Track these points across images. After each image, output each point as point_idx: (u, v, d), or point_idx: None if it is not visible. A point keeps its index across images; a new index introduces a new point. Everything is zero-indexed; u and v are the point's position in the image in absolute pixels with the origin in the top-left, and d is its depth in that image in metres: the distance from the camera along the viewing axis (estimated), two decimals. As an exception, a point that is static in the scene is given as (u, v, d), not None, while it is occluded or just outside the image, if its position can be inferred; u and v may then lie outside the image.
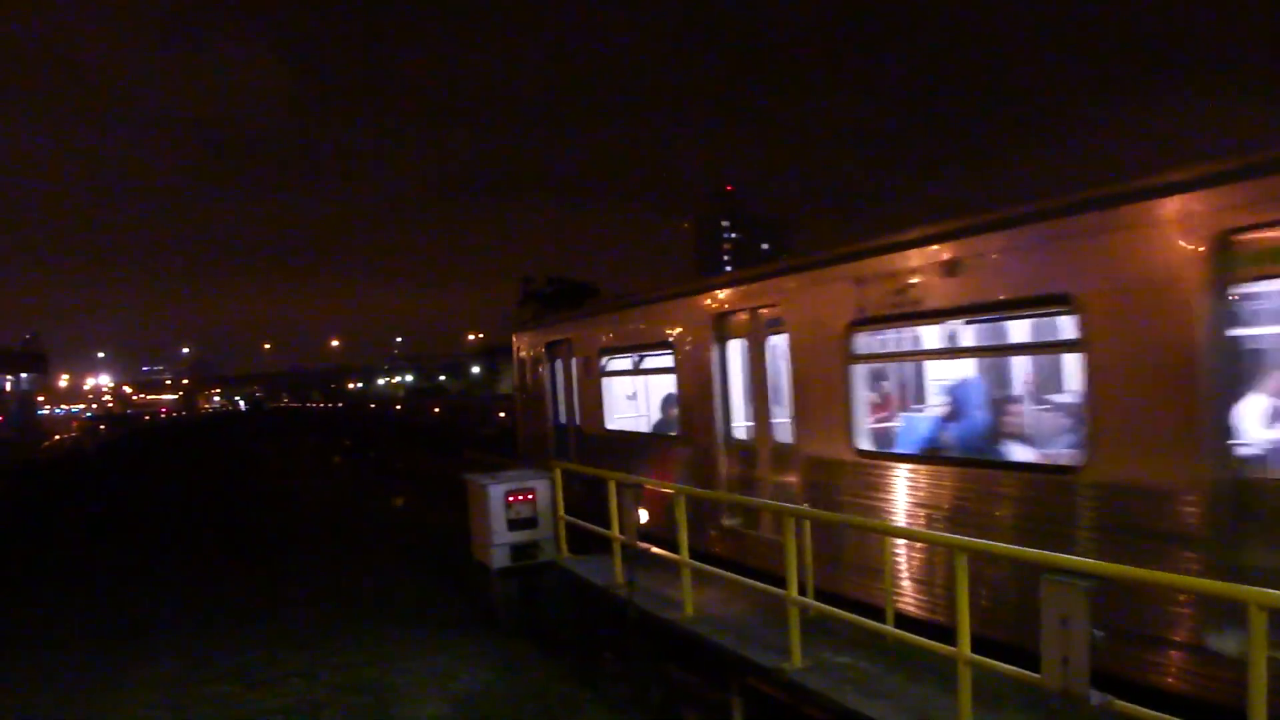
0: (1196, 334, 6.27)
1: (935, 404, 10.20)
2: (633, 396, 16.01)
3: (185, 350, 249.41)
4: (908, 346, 9.81)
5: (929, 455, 9.01)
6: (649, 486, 11.60)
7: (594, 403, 15.83)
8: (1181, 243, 6.31)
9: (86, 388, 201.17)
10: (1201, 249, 6.19)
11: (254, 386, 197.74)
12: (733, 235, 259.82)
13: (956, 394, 9.39)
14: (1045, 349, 8.84)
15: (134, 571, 20.69)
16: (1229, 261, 6.12)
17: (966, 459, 8.57)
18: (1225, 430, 6.32)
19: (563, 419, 17.58)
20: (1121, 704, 5.36)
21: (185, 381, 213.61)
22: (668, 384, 13.72)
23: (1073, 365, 7.90)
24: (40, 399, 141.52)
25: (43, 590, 19.49)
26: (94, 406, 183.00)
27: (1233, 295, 6.25)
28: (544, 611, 13.46)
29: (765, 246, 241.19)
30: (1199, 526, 6.25)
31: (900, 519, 8.76)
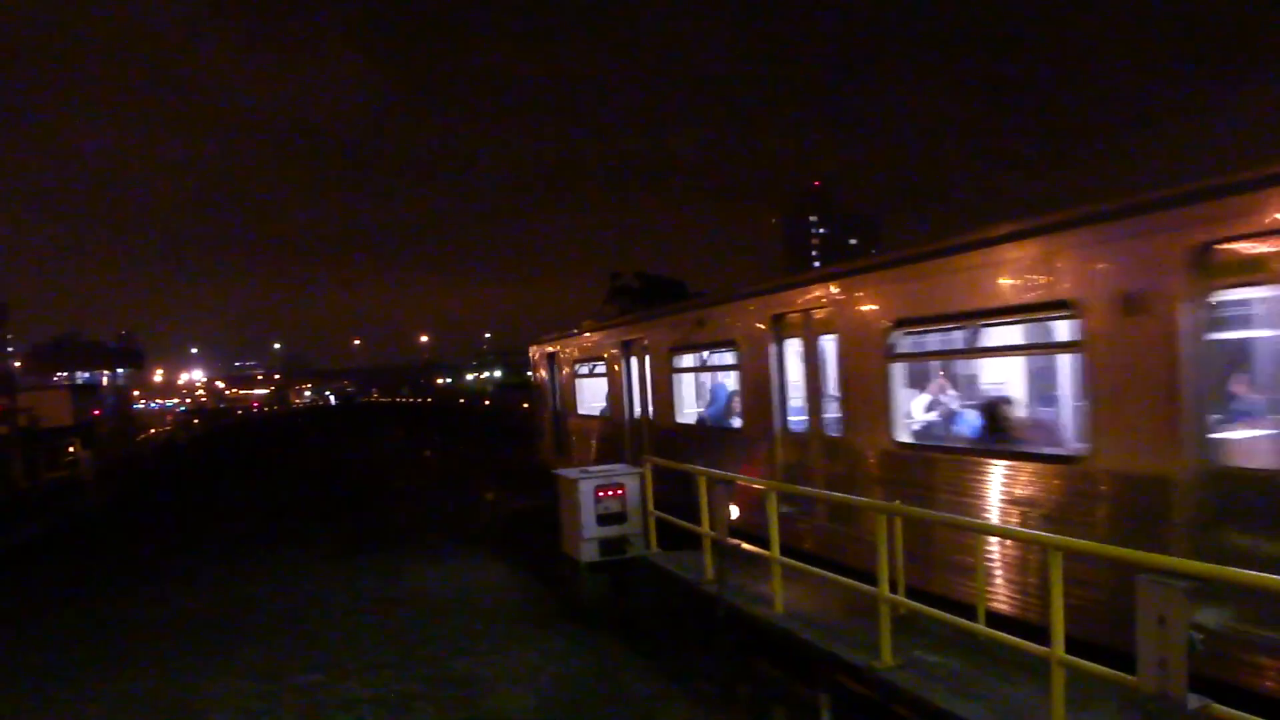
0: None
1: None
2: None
3: (277, 346, 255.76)
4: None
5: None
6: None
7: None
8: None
9: (180, 382, 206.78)
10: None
11: (344, 381, 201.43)
12: (821, 231, 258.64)
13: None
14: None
15: (229, 561, 21.42)
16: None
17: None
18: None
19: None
20: (1220, 708, 5.32)
21: (276, 376, 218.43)
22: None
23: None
24: (135, 393, 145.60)
25: (144, 579, 20.31)
26: (187, 401, 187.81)
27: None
28: (632, 606, 13.65)
29: (853, 242, 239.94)
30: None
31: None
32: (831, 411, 11.82)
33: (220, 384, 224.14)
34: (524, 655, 12.84)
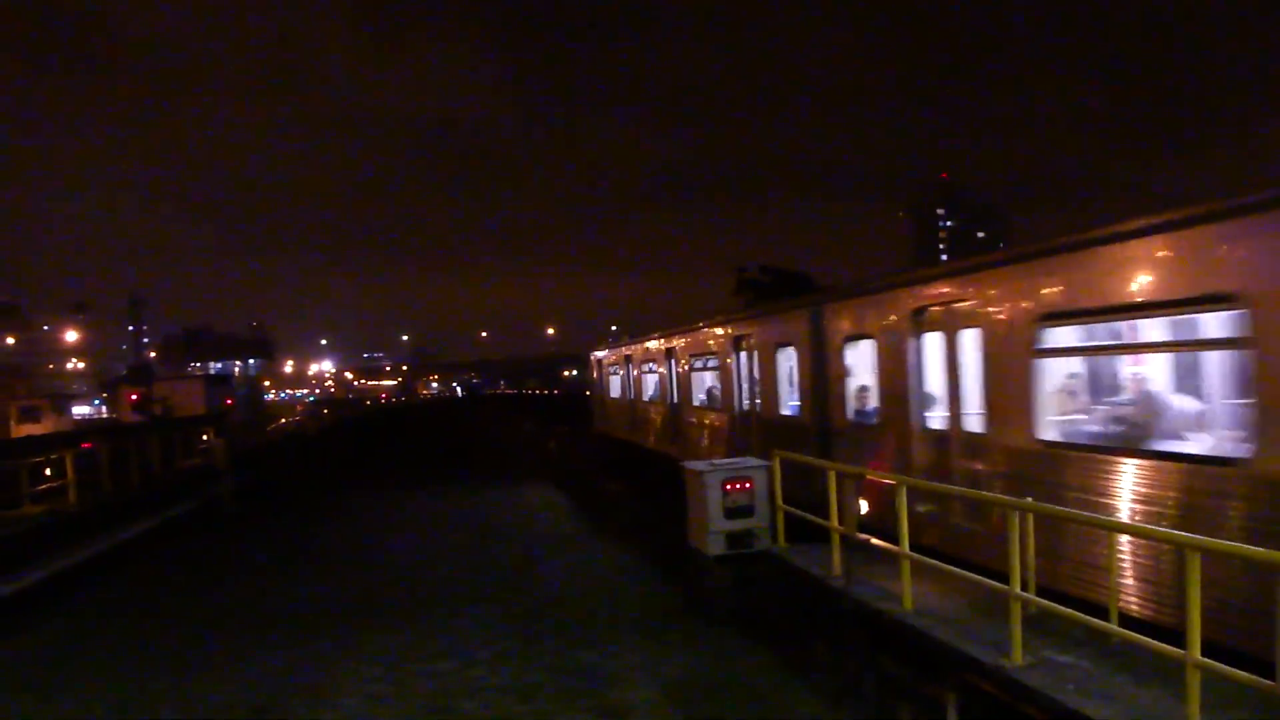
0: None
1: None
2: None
3: (405, 338, 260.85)
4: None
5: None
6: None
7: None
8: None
9: (310, 373, 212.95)
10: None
11: (471, 373, 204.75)
12: (948, 223, 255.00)
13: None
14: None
15: (360, 548, 22.27)
16: None
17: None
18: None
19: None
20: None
21: (404, 368, 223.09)
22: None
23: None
24: (266, 384, 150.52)
25: (275, 564, 21.25)
26: (316, 391, 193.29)
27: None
28: (757, 600, 13.83)
29: (981, 234, 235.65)
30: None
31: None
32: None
33: (349, 375, 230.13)
34: (648, 647, 13.16)
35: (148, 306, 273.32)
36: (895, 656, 9.92)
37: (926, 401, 12.89)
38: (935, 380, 12.70)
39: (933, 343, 12.65)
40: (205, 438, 39.79)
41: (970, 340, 11.68)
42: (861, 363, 14.73)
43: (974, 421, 11.60)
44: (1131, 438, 9.60)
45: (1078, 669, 7.86)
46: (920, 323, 12.78)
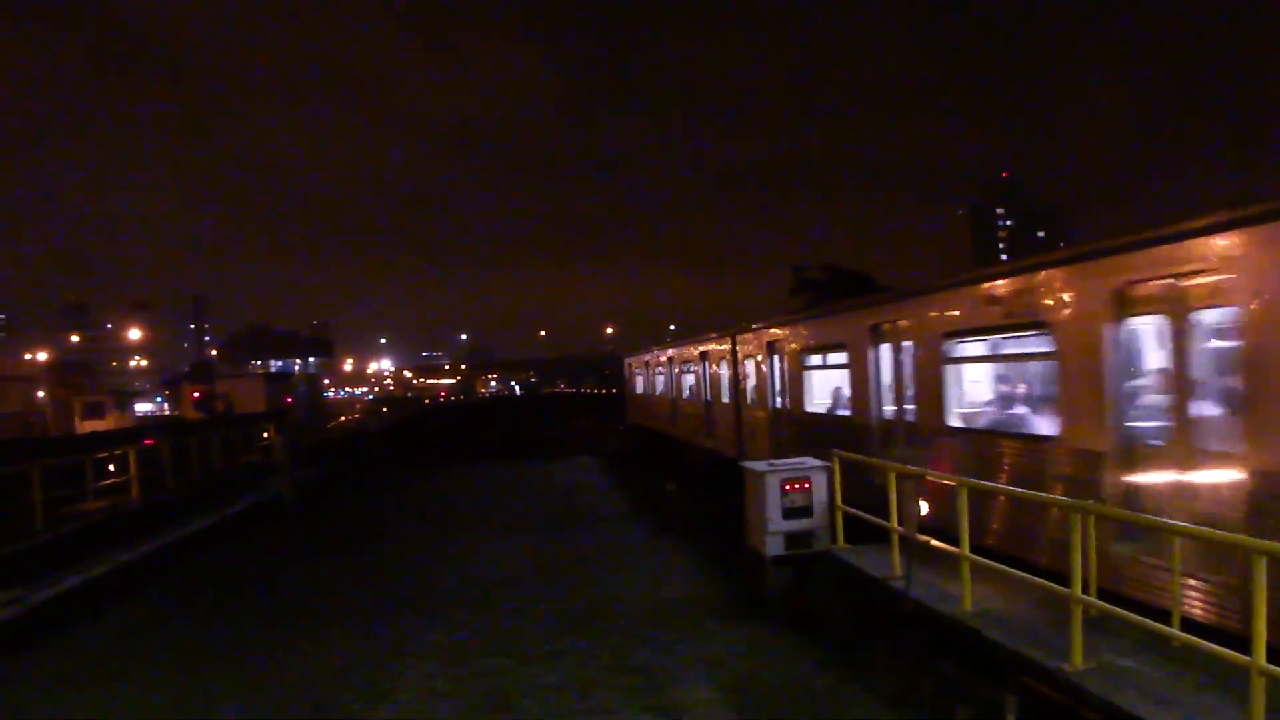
0: None
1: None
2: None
3: (463, 337, 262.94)
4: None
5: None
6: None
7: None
8: None
9: (369, 371, 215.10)
10: None
11: (529, 372, 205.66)
12: (1008, 223, 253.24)
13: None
14: None
15: (420, 547, 22.54)
16: None
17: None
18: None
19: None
20: None
21: (463, 367, 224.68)
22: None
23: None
24: (326, 382, 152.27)
25: (335, 559, 21.59)
26: (375, 389, 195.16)
27: None
28: (815, 600, 13.87)
29: (1041, 234, 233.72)
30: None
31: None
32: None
33: (408, 373, 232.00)
34: (705, 647, 13.26)
35: (210, 305, 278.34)
36: (954, 658, 9.93)
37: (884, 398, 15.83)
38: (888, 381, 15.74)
39: (885, 352, 15.66)
40: (265, 435, 40.43)
41: (907, 351, 14.71)
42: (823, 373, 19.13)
43: (909, 413, 14.67)
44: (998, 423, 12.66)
45: (1138, 673, 7.84)
46: (877, 336, 15.80)
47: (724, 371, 26.69)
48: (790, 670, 12.13)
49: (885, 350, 15.67)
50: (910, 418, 14.75)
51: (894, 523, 11.76)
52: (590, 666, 12.71)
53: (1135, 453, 9.71)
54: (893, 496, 11.76)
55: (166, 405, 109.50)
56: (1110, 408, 9.94)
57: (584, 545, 21.68)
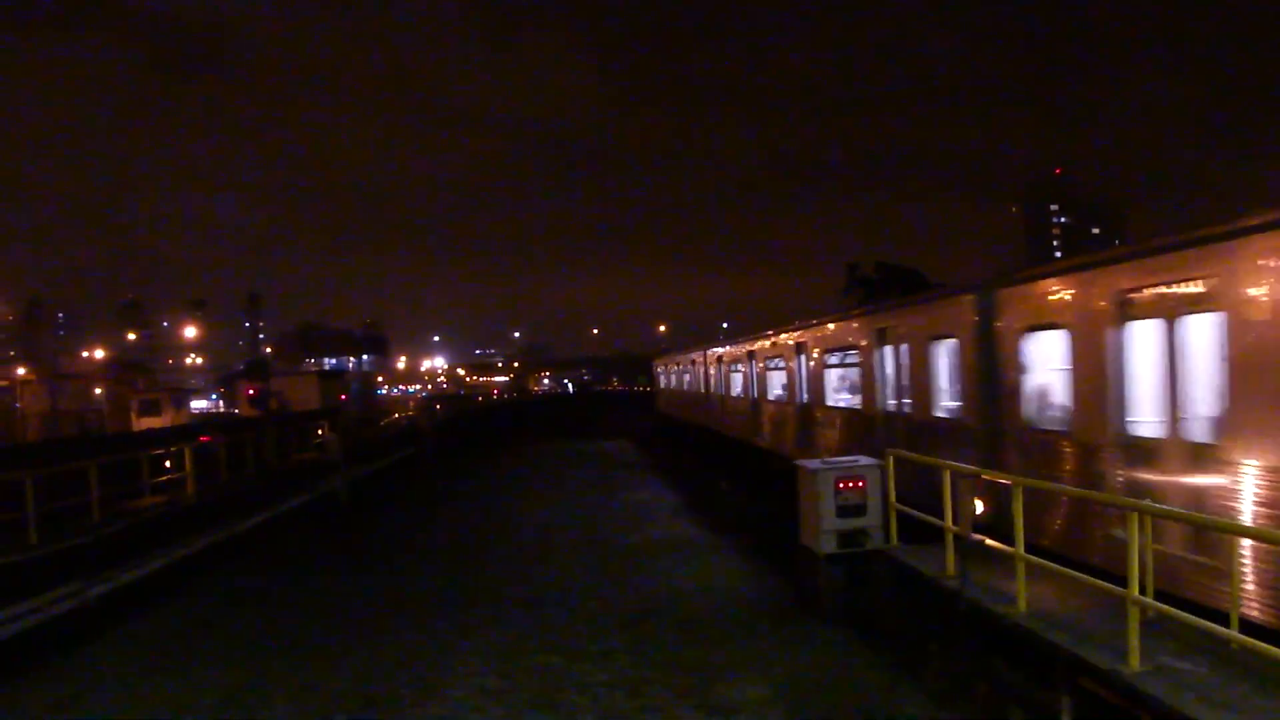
0: None
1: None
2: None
3: (516, 334, 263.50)
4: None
5: None
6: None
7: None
8: None
9: (423, 369, 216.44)
10: None
11: (582, 370, 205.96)
12: (1062, 220, 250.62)
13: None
14: None
15: (474, 548, 22.72)
16: None
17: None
18: None
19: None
20: None
21: (516, 364, 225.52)
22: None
23: None
24: (379, 379, 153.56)
25: (388, 556, 21.91)
26: (429, 387, 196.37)
27: None
28: (869, 599, 13.86)
29: (1095, 231, 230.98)
30: None
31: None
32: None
33: (461, 371, 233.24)
34: (758, 645, 13.32)
35: (264, 303, 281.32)
36: (1009, 659, 9.88)
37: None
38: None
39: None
40: (320, 432, 40.89)
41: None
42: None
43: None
44: None
45: (1196, 675, 7.76)
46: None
47: (714, 371, 38.32)
48: (844, 668, 12.18)
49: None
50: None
51: (948, 521, 11.72)
52: (642, 664, 12.81)
53: None
54: (946, 495, 11.73)
55: (222, 402, 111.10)
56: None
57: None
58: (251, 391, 58.61)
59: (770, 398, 28.36)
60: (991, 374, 13.90)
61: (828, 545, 14.34)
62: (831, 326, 22.05)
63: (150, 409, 56.25)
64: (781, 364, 26.46)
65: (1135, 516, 8.40)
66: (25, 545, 17.39)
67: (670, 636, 14.03)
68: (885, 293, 20.35)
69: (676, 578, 17.95)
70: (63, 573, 16.69)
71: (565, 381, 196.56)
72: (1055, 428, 12.47)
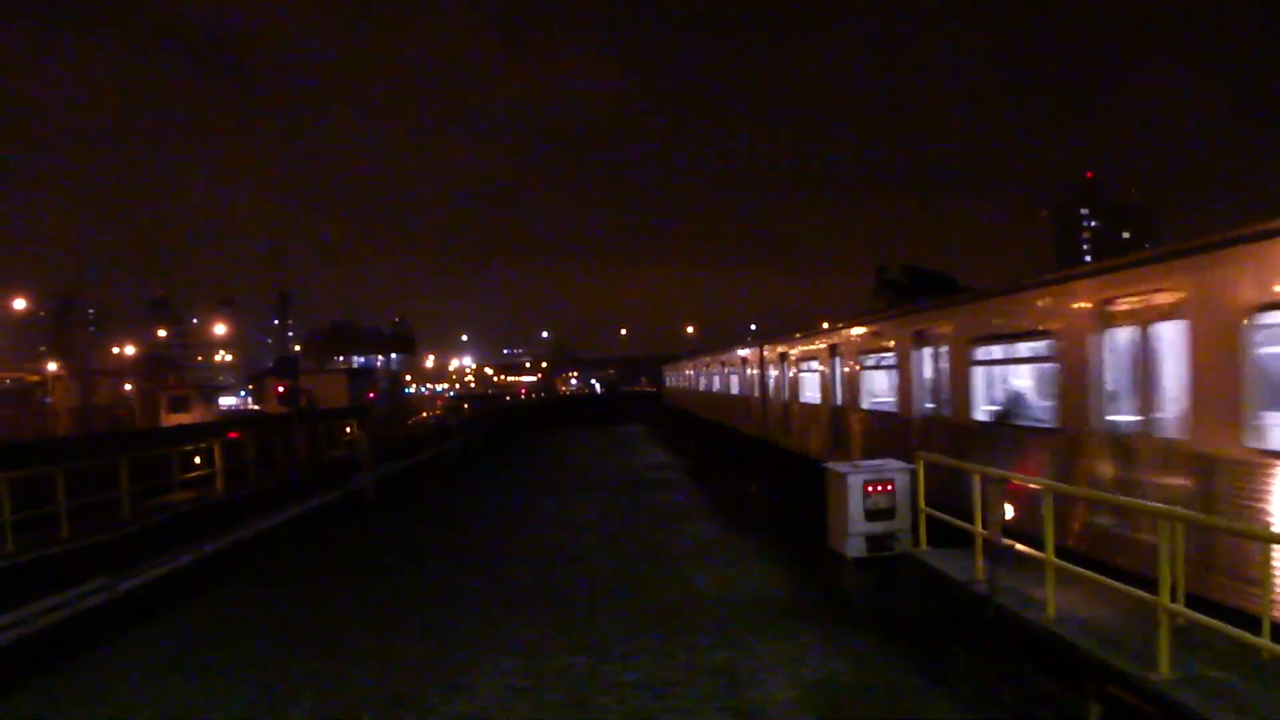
0: None
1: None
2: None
3: (544, 334, 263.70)
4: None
5: None
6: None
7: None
8: None
9: (451, 368, 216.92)
10: None
11: (610, 370, 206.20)
12: (1092, 224, 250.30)
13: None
14: None
15: (505, 548, 22.80)
16: None
17: None
18: None
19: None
20: None
21: (544, 364, 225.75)
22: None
23: None
24: (407, 378, 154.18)
25: (419, 558, 21.91)
26: (456, 386, 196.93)
27: None
28: (896, 603, 13.84)
29: (1126, 235, 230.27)
30: None
31: None
32: None
33: (489, 370, 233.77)
34: (785, 648, 13.32)
35: (293, 301, 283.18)
36: (1037, 665, 9.86)
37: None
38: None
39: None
40: (348, 430, 41.12)
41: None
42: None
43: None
44: None
45: (1228, 685, 7.72)
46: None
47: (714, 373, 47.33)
48: (871, 672, 12.18)
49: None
50: None
51: (978, 526, 11.69)
52: (669, 665, 12.83)
53: None
54: (976, 499, 11.69)
55: (250, 399, 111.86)
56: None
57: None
58: (281, 389, 58.82)
59: (734, 392, 39.21)
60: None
61: (856, 548, 14.34)
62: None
63: (179, 405, 56.78)
64: (736, 371, 37.59)
65: (1165, 523, 8.38)
66: (57, 539, 17.60)
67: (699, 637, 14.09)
68: (913, 296, 20.37)
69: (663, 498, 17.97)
70: (94, 567, 16.87)
71: (594, 381, 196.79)
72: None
